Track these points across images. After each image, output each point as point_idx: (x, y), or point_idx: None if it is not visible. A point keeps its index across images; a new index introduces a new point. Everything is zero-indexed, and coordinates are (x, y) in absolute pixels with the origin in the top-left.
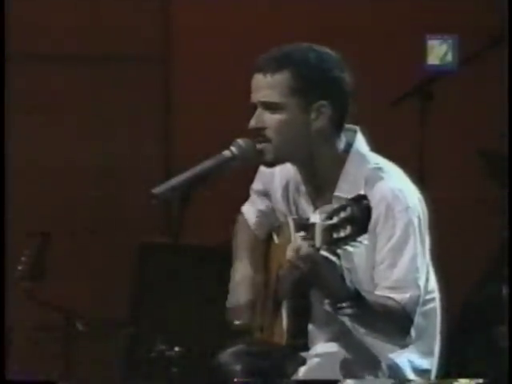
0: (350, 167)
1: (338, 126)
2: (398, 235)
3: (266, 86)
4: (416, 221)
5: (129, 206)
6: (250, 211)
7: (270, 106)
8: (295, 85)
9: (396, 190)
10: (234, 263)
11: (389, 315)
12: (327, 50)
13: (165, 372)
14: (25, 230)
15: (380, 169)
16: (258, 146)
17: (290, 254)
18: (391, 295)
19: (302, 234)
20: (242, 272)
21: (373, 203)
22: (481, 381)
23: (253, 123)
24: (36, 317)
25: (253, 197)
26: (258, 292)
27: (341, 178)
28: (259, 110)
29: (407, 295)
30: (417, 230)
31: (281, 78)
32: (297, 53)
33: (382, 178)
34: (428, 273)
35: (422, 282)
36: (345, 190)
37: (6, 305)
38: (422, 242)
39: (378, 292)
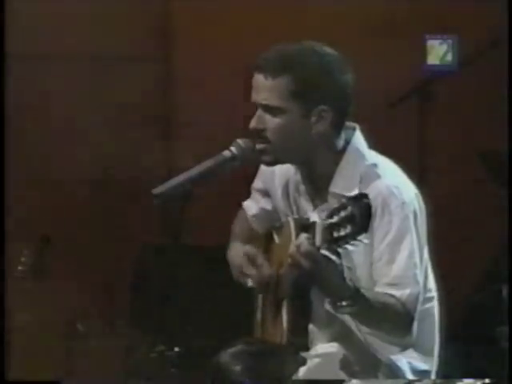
0: (345, 164)
1: (338, 128)
2: (394, 231)
3: (267, 88)
4: (412, 216)
5: (129, 206)
6: (251, 206)
7: (271, 109)
8: (296, 89)
9: (392, 187)
10: (230, 242)
11: (389, 313)
12: (329, 50)
13: (165, 372)
14: (25, 230)
15: (376, 165)
16: (258, 147)
17: (291, 249)
18: (391, 292)
19: (306, 234)
20: (236, 247)
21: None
22: (487, 381)
23: (253, 124)
24: (36, 317)
25: (254, 194)
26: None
27: (336, 173)
28: (260, 111)
29: (407, 291)
30: (413, 225)
31: (282, 81)
32: (298, 55)
33: (377, 175)
34: (427, 271)
35: (420, 278)
36: (340, 185)
37: (6, 305)
38: (419, 237)
39: (377, 289)
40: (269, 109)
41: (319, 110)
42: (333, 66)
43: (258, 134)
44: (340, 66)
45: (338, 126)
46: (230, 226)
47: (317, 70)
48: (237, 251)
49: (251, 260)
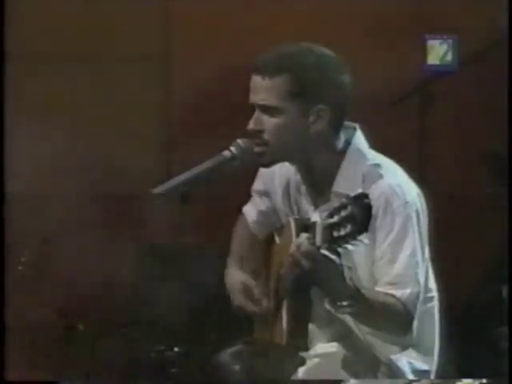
0: (347, 164)
1: (336, 128)
2: (396, 230)
3: (265, 89)
4: (414, 215)
5: (129, 206)
6: (251, 211)
7: (269, 110)
8: (294, 89)
9: (394, 186)
10: (228, 263)
11: (390, 312)
12: (326, 51)
13: (165, 372)
14: (25, 230)
15: (378, 165)
16: (256, 149)
17: (292, 249)
18: (392, 291)
19: (306, 234)
20: (233, 275)
21: (371, 199)
22: (484, 381)
23: (251, 125)
24: (36, 317)
25: (254, 197)
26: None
27: (338, 173)
28: (258, 113)
29: (407, 291)
30: (415, 225)
31: (279, 81)
32: (295, 56)
33: (380, 175)
34: (427, 270)
35: (421, 278)
36: (342, 185)
37: (5, 305)
38: (421, 237)
39: (378, 288)
40: (266, 109)
41: (317, 109)
42: (330, 66)
43: (256, 136)
44: (337, 65)
45: (336, 126)
46: (229, 226)
47: (314, 70)
48: (234, 278)
49: (249, 295)
